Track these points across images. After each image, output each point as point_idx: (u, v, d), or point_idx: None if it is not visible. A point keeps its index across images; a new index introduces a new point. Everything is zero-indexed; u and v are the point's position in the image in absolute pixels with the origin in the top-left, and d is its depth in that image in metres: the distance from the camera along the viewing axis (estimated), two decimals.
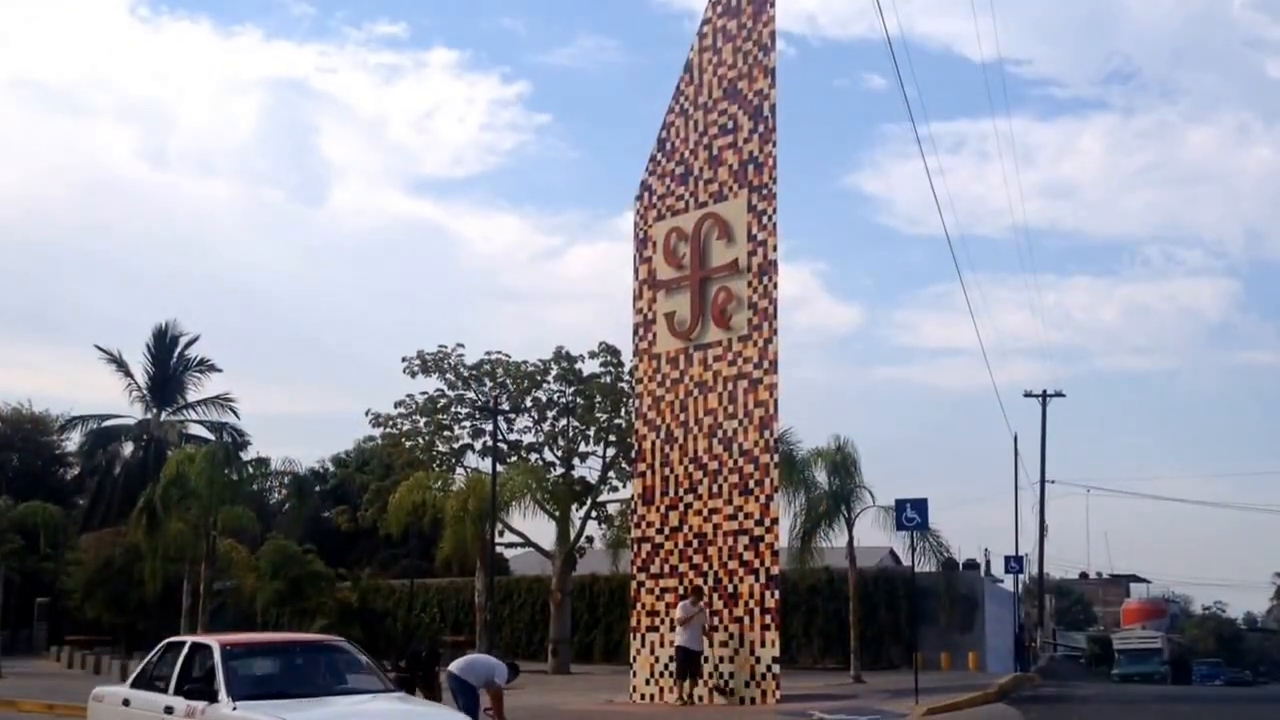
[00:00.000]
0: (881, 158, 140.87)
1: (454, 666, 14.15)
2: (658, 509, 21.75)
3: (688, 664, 20.14)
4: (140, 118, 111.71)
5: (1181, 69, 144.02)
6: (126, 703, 11.06)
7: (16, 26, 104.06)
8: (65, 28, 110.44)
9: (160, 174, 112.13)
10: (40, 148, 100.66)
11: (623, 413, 29.99)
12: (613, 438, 30.78)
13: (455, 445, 32.56)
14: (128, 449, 49.60)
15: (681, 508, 21.34)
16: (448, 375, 31.99)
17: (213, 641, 10.56)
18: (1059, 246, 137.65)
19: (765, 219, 20.69)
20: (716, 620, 20.38)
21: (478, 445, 32.04)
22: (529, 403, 31.83)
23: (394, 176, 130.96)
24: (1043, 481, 48.44)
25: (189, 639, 11.44)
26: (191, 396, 49.91)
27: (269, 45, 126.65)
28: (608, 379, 31.20)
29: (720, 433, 20.89)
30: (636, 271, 22.94)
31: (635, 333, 22.89)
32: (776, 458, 20.69)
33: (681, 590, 20.93)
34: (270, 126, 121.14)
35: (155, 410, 49.20)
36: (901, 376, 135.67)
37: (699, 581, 20.72)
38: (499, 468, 29.29)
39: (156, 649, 11.68)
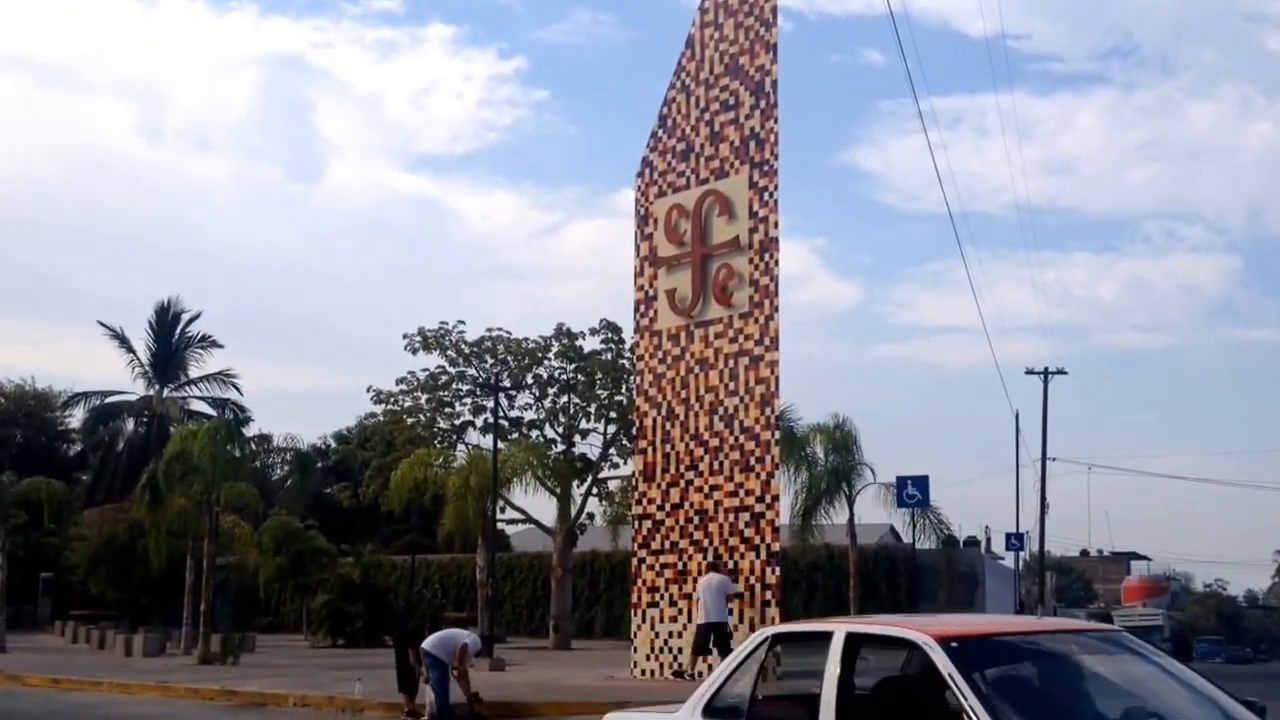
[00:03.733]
0: (879, 134, 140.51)
1: (427, 643, 14.57)
2: (658, 486, 21.76)
3: (701, 637, 19.17)
4: (137, 94, 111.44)
5: (1182, 44, 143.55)
6: None
7: (12, 3, 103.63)
8: (61, 4, 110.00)
9: (157, 151, 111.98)
10: (37, 124, 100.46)
11: (623, 389, 29.98)
12: (613, 414, 30.80)
13: (456, 422, 32.64)
14: (130, 425, 49.76)
15: (682, 484, 21.35)
16: (449, 352, 32.01)
17: (921, 635, 5.41)
18: (1059, 223, 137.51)
19: (766, 195, 20.62)
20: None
21: (479, 422, 32.14)
22: (530, 379, 31.85)
23: (391, 153, 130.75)
24: (1044, 459, 48.42)
25: (839, 626, 6.00)
26: (194, 373, 50.07)
27: (265, 21, 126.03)
28: (608, 356, 31.20)
29: (721, 409, 20.88)
30: (637, 248, 22.88)
31: (636, 309, 22.84)
32: (777, 435, 20.68)
33: (681, 567, 20.97)
34: (267, 103, 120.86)
35: (158, 386, 49.28)
36: (901, 354, 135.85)
37: (699, 558, 20.74)
38: (500, 444, 29.32)
39: (750, 646, 6.20)
